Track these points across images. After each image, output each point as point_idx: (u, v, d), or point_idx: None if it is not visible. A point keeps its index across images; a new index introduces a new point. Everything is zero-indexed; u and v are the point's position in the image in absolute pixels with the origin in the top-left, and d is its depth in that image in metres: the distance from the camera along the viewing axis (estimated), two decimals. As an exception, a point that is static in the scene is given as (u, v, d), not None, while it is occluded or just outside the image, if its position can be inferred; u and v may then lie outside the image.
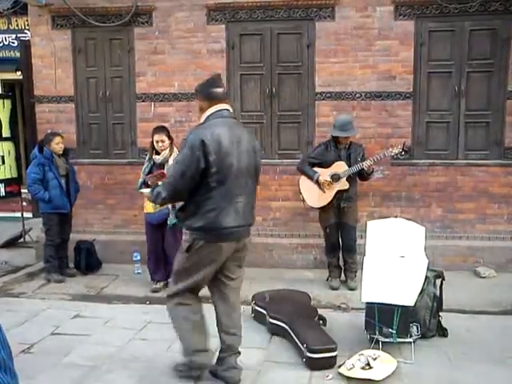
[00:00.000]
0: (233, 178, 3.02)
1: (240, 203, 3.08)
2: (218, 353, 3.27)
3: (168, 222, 4.85)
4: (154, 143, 4.88)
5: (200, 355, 3.16)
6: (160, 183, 3.18)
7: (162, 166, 4.85)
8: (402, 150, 4.98)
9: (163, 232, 4.96)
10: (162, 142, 4.81)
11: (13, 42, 8.71)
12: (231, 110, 3.19)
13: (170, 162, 4.82)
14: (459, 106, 5.71)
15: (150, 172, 4.71)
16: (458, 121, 5.73)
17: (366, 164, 4.90)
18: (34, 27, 6.17)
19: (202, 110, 3.13)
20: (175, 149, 4.94)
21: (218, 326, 3.23)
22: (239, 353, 3.26)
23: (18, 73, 7.84)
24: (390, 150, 5.00)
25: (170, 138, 4.91)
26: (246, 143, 3.11)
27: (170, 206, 4.80)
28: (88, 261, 5.74)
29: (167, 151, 4.86)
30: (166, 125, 5.41)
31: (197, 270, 3.09)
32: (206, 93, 3.11)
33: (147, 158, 4.98)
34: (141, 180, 4.84)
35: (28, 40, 6.53)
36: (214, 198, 2.98)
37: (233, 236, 3.09)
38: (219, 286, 3.21)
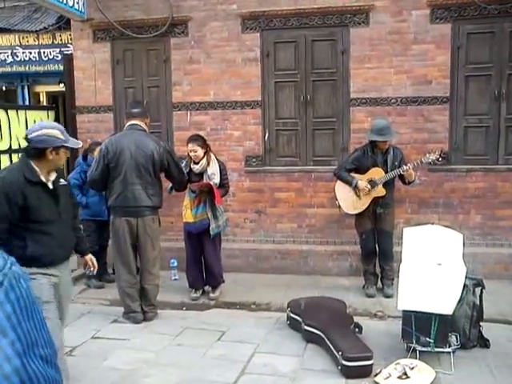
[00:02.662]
0: (128, 171, 4.35)
1: (136, 190, 4.37)
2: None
3: (211, 232, 4.88)
4: (188, 152, 4.96)
5: (131, 309, 4.56)
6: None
7: (200, 175, 4.92)
8: (440, 156, 4.89)
9: (202, 240, 4.99)
10: (195, 151, 4.85)
11: (57, 56, 9.05)
12: (143, 125, 4.54)
13: (209, 171, 4.88)
14: (499, 110, 5.56)
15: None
16: (498, 125, 5.59)
17: (402, 170, 4.84)
18: (77, 41, 6.40)
19: (124, 125, 4.65)
20: (213, 157, 4.99)
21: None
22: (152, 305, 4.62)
23: (61, 85, 8.13)
24: (427, 156, 4.91)
25: (203, 147, 4.91)
26: (145, 148, 4.40)
27: (210, 216, 4.85)
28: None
29: (204, 161, 4.89)
30: (201, 133, 5.49)
31: (117, 241, 4.48)
32: (126, 112, 4.73)
33: (184, 164, 4.99)
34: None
35: (71, 53, 6.77)
36: (115, 185, 4.41)
37: (131, 213, 4.40)
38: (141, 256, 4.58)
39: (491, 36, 5.52)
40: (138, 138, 4.45)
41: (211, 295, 5.14)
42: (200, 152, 4.88)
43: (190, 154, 4.92)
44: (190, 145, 4.90)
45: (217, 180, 4.90)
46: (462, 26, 5.54)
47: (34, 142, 2.85)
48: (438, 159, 4.93)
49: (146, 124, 4.62)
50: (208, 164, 4.90)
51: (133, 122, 4.53)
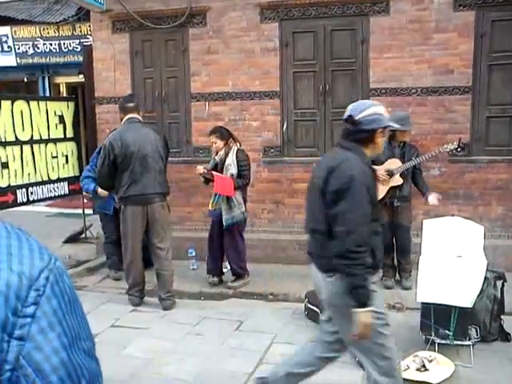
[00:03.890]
0: (136, 162, 4.44)
1: (145, 178, 4.47)
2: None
3: (223, 223, 4.94)
4: (211, 144, 5.11)
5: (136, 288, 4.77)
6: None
7: (221, 164, 5.03)
8: (458, 146, 4.81)
9: (222, 230, 5.06)
10: (214, 143, 5.02)
11: (76, 48, 9.14)
12: (139, 117, 4.69)
13: (227, 161, 4.97)
14: (524, 100, 5.44)
15: (214, 168, 5.05)
16: (522, 115, 5.47)
17: (419, 160, 4.78)
18: (96, 32, 6.44)
19: (121, 119, 4.69)
20: (234, 148, 5.03)
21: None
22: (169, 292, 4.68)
23: (81, 76, 8.21)
24: (445, 146, 4.85)
25: (223, 139, 5.00)
26: (147, 138, 4.53)
27: (224, 206, 4.90)
28: (146, 256, 5.91)
29: (222, 152, 5.01)
30: (220, 123, 5.50)
31: (128, 228, 4.57)
32: (122, 107, 4.72)
33: (212, 156, 5.23)
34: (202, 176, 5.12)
35: (90, 45, 6.82)
36: (124, 178, 4.48)
37: (141, 201, 4.51)
38: (152, 246, 4.69)
39: (516, 23, 5.38)
40: (140, 130, 4.60)
41: (229, 284, 5.17)
42: (220, 143, 5.01)
43: (212, 146, 5.10)
44: (210, 137, 5.07)
45: (232, 171, 4.95)
46: (487, 13, 5.40)
47: (363, 124, 2.35)
48: (456, 149, 4.86)
49: (140, 116, 4.81)
50: (226, 155, 4.98)
51: (131, 115, 4.65)
